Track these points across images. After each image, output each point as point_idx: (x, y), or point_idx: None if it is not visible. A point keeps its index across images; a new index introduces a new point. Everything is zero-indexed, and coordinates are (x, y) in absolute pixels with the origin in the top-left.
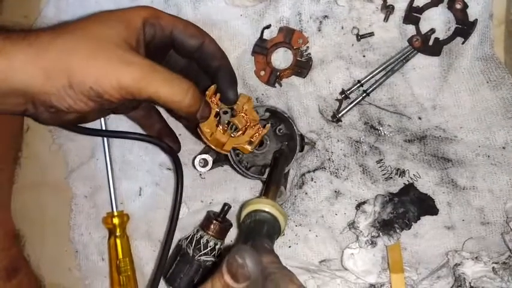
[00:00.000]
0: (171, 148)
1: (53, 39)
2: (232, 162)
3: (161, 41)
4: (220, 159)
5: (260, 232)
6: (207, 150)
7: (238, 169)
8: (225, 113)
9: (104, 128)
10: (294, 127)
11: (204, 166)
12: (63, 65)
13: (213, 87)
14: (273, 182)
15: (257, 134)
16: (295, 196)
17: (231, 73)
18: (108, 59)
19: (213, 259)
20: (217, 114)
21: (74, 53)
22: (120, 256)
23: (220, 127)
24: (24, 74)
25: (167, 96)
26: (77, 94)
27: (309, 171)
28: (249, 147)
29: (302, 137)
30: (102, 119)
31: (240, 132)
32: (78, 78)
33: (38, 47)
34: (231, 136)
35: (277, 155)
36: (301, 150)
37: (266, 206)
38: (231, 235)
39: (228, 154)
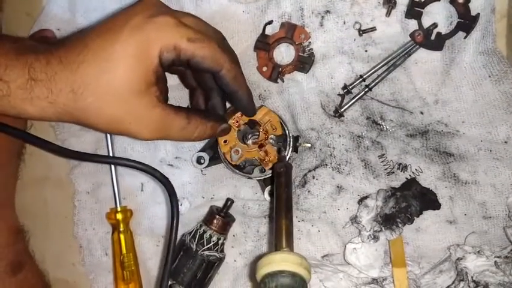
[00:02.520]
0: (165, 177)
1: (74, 101)
2: (223, 160)
3: (176, 64)
4: (216, 158)
5: None
6: (205, 147)
7: (228, 167)
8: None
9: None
10: (286, 128)
11: (200, 163)
12: (89, 122)
13: (237, 114)
14: (286, 213)
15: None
16: (298, 195)
17: (247, 96)
18: (128, 123)
19: (216, 254)
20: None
21: (96, 117)
22: (124, 251)
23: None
24: (57, 120)
25: (181, 141)
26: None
27: (309, 171)
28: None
29: (296, 138)
30: None
31: (256, 146)
32: (104, 131)
33: (63, 107)
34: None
35: (281, 169)
36: (295, 151)
37: (292, 266)
38: (234, 230)
39: (220, 152)
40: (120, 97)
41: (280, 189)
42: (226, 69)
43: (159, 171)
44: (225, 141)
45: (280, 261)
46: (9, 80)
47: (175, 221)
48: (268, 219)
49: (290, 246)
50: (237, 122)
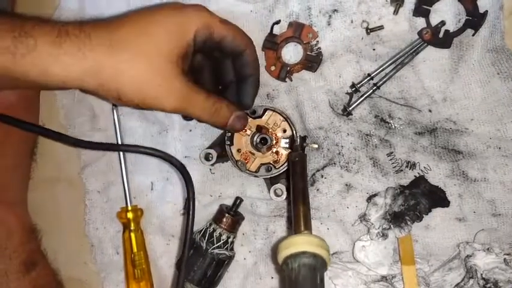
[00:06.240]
0: (181, 164)
1: (108, 56)
2: (230, 158)
3: (207, 46)
4: (224, 155)
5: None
6: (213, 145)
7: (236, 166)
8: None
9: (117, 125)
10: (293, 128)
11: (208, 160)
12: (116, 84)
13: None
14: (303, 199)
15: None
16: None
17: (257, 84)
18: (157, 86)
19: (226, 252)
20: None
21: (127, 76)
22: (135, 250)
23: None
24: (81, 82)
25: (199, 116)
26: (126, 103)
27: (318, 170)
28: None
29: (303, 138)
30: (115, 115)
31: (270, 150)
32: (127, 97)
33: (94, 62)
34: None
35: (296, 158)
36: (303, 151)
37: (313, 247)
38: (243, 228)
39: (227, 150)
40: (153, 60)
41: (296, 177)
42: (250, 49)
43: (175, 158)
44: (239, 150)
45: (301, 243)
46: (37, 35)
47: (191, 212)
48: (277, 219)
49: (309, 229)
50: (245, 130)
